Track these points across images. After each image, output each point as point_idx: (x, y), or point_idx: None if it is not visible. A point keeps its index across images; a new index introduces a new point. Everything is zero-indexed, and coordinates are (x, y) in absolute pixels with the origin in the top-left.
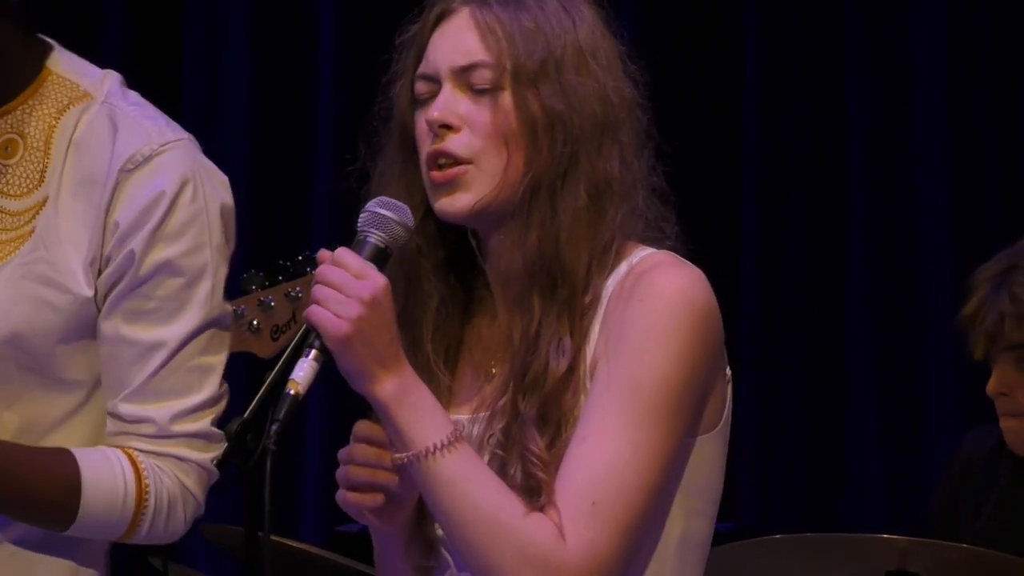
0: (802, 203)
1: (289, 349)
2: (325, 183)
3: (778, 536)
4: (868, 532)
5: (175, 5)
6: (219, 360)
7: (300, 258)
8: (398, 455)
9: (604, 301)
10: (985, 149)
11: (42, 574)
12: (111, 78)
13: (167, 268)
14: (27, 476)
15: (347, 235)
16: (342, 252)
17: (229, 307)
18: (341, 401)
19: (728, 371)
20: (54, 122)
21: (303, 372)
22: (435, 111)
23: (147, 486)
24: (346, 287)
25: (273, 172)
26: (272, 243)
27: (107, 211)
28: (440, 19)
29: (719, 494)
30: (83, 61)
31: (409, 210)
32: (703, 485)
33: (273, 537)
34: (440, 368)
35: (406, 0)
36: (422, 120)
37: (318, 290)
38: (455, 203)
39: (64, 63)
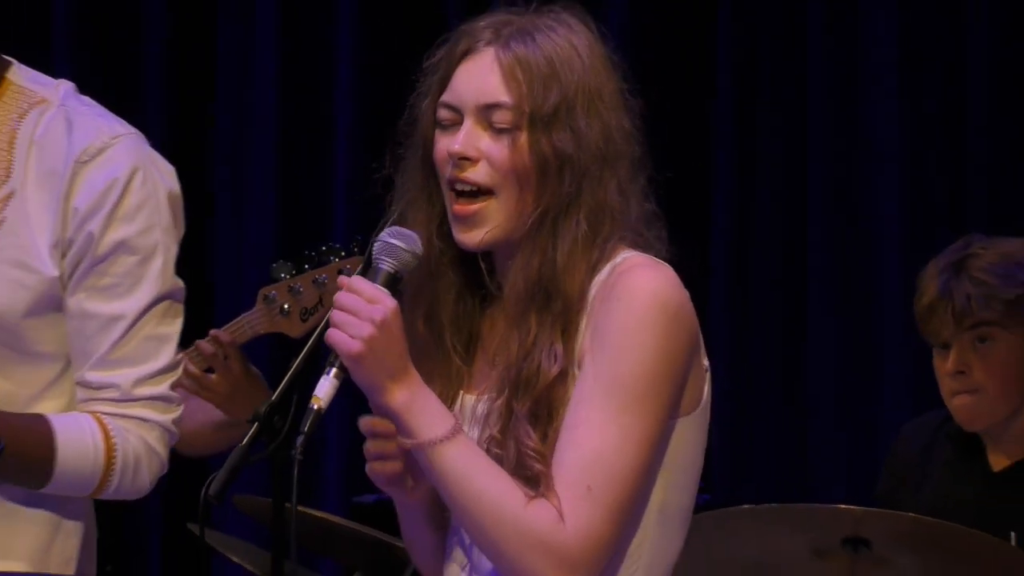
0: (767, 206)
1: (312, 340)
2: (343, 184)
3: (748, 506)
4: (827, 503)
5: (209, 31)
6: (174, 330)
7: (324, 248)
8: (404, 441)
9: (590, 300)
10: (934, 146)
11: (26, 526)
12: (64, 85)
13: (123, 247)
14: (7, 437)
15: (361, 227)
16: (356, 280)
17: (181, 283)
18: (359, 389)
19: (706, 360)
20: (16, 125)
21: (324, 389)
22: (457, 144)
23: (114, 446)
24: (360, 311)
25: (298, 175)
26: (296, 236)
27: (66, 198)
28: (466, 54)
29: (699, 469)
30: (38, 73)
31: (418, 238)
32: (683, 461)
33: (298, 507)
34: (457, 355)
35: (415, 20)
36: (443, 146)
37: (335, 315)
38: (472, 237)
39: (21, 75)
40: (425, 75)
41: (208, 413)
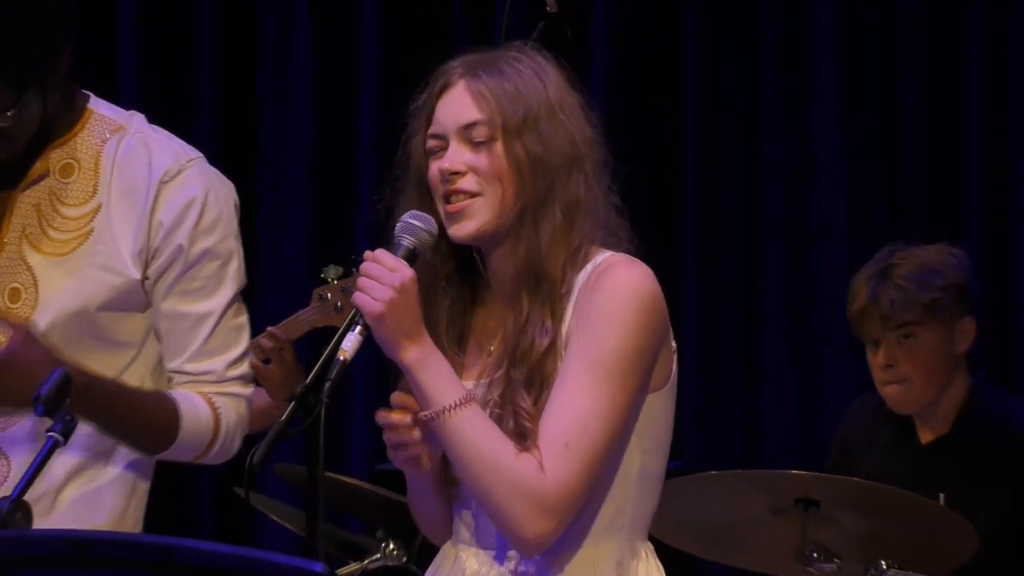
0: (728, 210)
1: (339, 332)
2: (366, 203)
3: (714, 472)
4: (782, 469)
5: (251, 66)
6: (246, 318)
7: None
8: (423, 413)
9: (575, 292)
10: (873, 158)
11: (108, 494)
12: (137, 115)
13: (207, 255)
14: (142, 405)
15: (383, 240)
16: (380, 252)
17: (246, 279)
18: (381, 369)
19: (673, 343)
20: (99, 148)
21: (350, 343)
22: (446, 162)
23: (220, 417)
24: (382, 277)
25: (328, 194)
26: (326, 245)
27: (150, 213)
28: (443, 90)
29: (670, 437)
30: (113, 105)
31: (433, 220)
32: (656, 431)
33: (327, 473)
34: (452, 349)
35: (435, 49)
36: (435, 168)
37: (361, 280)
38: (464, 228)
39: (101, 107)
40: (412, 116)
41: (260, 398)
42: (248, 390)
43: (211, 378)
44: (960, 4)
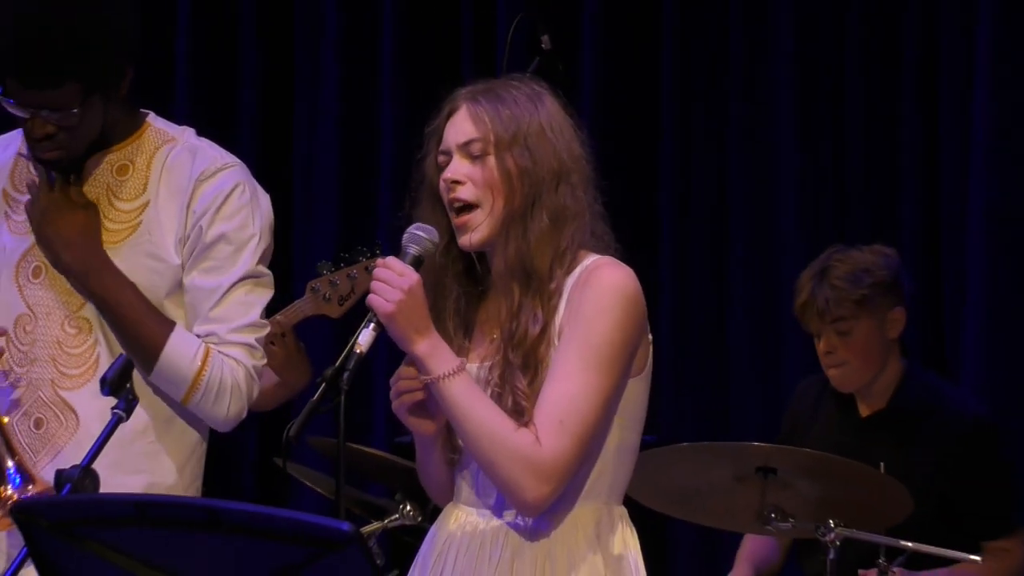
0: (700, 220)
1: (362, 325)
2: (385, 210)
3: (685, 444)
4: (744, 441)
5: (289, 92)
6: (257, 299)
7: (354, 250)
8: (422, 377)
9: (567, 291)
10: (822, 166)
11: (171, 452)
12: (188, 129)
13: (222, 239)
14: (140, 308)
15: (397, 243)
16: (391, 259)
17: (265, 270)
18: (399, 357)
19: (650, 336)
20: (152, 153)
21: (365, 338)
22: (448, 173)
23: (209, 362)
24: (392, 281)
25: (353, 203)
26: (351, 246)
27: (188, 206)
28: (450, 114)
29: (644, 416)
30: (168, 121)
31: (436, 231)
32: (633, 410)
33: (352, 445)
34: (458, 336)
35: (446, 81)
36: (442, 178)
37: (374, 284)
38: (470, 239)
39: (158, 122)
40: (426, 138)
41: (267, 379)
42: (252, 360)
43: (213, 339)
44: (895, 54)
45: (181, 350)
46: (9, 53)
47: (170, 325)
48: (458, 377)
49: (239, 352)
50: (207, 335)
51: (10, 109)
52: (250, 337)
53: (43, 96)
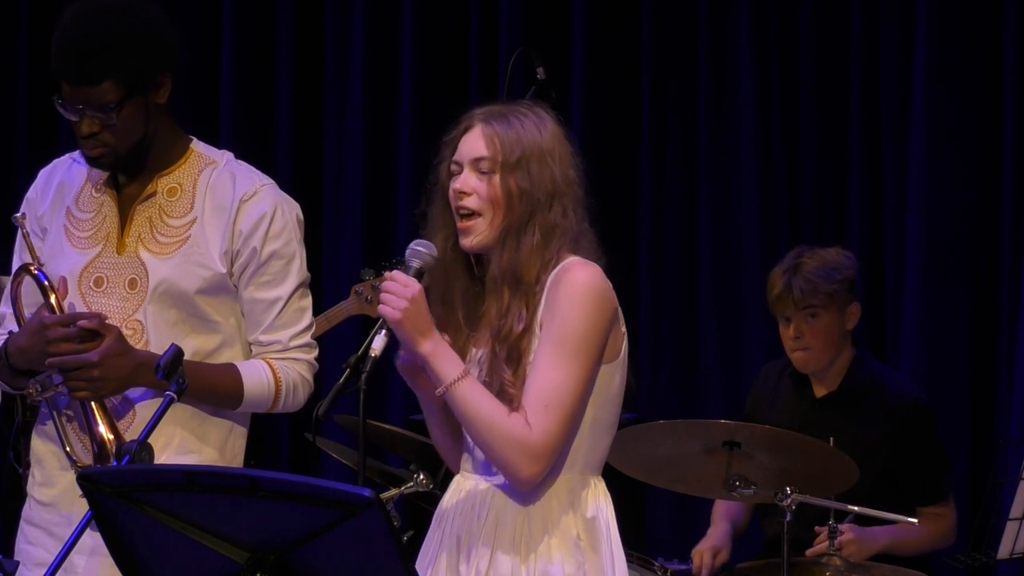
0: (673, 224)
1: (373, 331)
2: (405, 216)
3: (661, 421)
4: (713, 418)
5: (319, 111)
6: (309, 303)
7: (394, 260)
8: (437, 390)
9: (546, 288)
10: (779, 173)
11: (212, 429)
12: (228, 153)
13: (275, 255)
14: (212, 378)
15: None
16: (395, 273)
17: (309, 275)
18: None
19: (623, 327)
20: (197, 176)
21: (378, 343)
22: (458, 184)
23: (280, 378)
24: (398, 292)
25: (376, 210)
26: (375, 248)
27: (233, 223)
28: (466, 130)
29: (621, 397)
30: (210, 146)
31: (435, 246)
32: (608, 392)
33: (372, 422)
34: (465, 327)
35: (456, 102)
36: (452, 187)
37: (383, 295)
38: (470, 241)
39: (200, 147)
40: (442, 148)
41: None
42: (310, 355)
43: (276, 347)
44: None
45: (255, 385)
46: (60, 56)
47: (234, 370)
48: (462, 382)
49: (301, 353)
50: (271, 344)
51: (62, 111)
52: (306, 338)
53: (85, 93)
